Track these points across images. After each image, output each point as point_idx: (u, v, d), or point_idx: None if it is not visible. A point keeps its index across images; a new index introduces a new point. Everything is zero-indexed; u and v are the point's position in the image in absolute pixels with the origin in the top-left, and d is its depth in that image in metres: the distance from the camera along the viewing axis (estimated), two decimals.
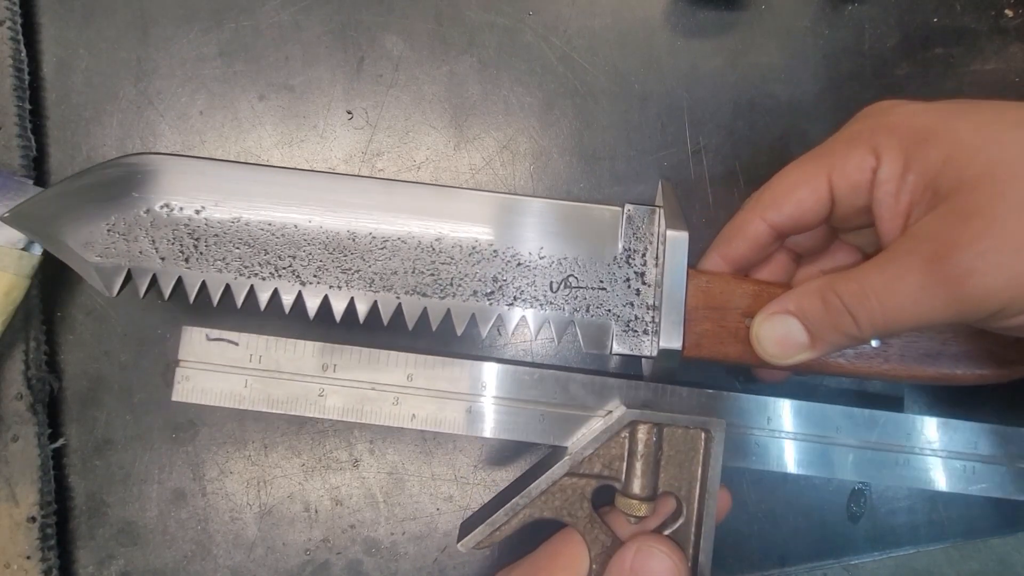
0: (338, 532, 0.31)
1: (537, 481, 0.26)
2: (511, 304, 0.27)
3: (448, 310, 0.27)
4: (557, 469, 0.26)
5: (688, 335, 0.26)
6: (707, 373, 0.33)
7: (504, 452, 0.32)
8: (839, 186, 0.25)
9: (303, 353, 0.27)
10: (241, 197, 0.27)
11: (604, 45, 0.34)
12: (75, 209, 0.26)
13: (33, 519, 0.29)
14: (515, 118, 0.34)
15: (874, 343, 0.27)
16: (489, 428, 0.27)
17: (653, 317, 0.27)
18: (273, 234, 0.26)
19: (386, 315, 0.27)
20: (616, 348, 0.27)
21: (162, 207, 0.26)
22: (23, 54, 0.31)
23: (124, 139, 0.32)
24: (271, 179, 0.27)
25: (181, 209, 0.26)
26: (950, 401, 0.34)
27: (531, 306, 0.27)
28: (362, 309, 0.26)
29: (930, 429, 0.28)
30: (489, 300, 0.27)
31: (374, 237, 0.27)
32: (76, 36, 0.32)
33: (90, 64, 0.32)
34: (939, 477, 0.28)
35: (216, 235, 0.26)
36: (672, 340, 0.26)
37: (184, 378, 0.27)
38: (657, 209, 0.27)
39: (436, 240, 0.27)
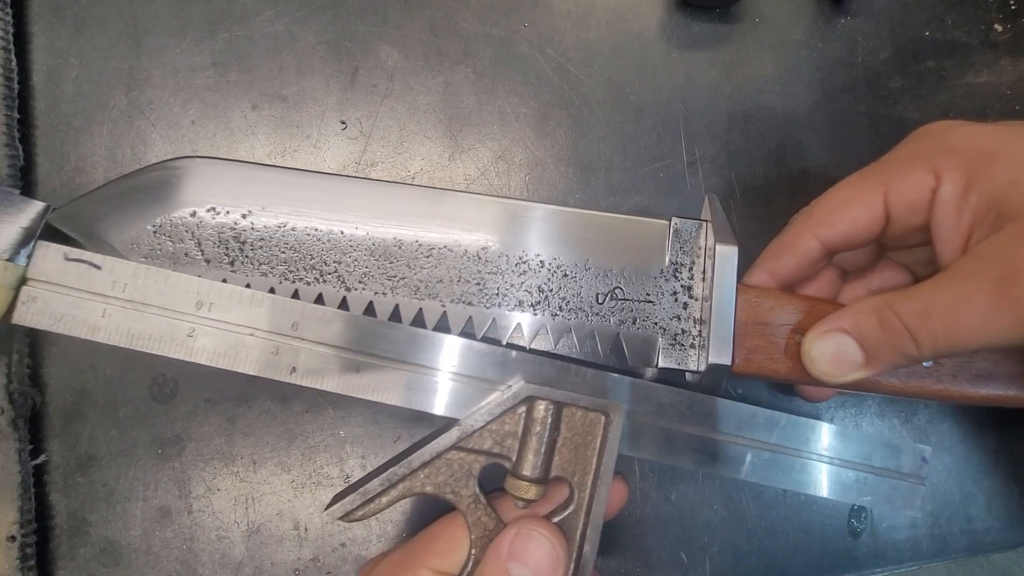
0: (328, 551, 0.31)
1: (420, 451, 0.24)
2: (556, 315, 0.27)
3: (493, 319, 0.26)
4: (443, 440, 0.24)
5: (737, 350, 0.26)
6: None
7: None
8: (896, 204, 0.25)
9: (176, 286, 0.25)
10: (288, 202, 0.27)
11: (599, 56, 0.34)
12: (121, 210, 0.26)
13: (13, 538, 0.28)
14: (510, 128, 0.34)
15: (926, 363, 0.27)
16: (374, 391, 0.25)
17: (700, 331, 0.26)
18: (319, 239, 0.26)
19: (431, 322, 0.26)
20: (662, 362, 0.26)
21: (208, 210, 0.26)
22: (13, 63, 0.30)
23: (114, 149, 0.32)
24: (318, 185, 0.27)
25: (227, 213, 0.26)
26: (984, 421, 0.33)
27: (576, 317, 0.27)
28: (407, 316, 0.26)
29: (826, 436, 0.27)
30: (535, 311, 0.27)
31: (420, 245, 0.27)
32: (67, 45, 0.32)
33: (81, 73, 0.32)
34: (828, 484, 0.27)
35: (262, 239, 0.26)
36: (722, 355, 0.25)
37: (31, 298, 0.24)
38: (704, 223, 0.27)
39: (482, 249, 0.27)
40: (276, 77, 0.33)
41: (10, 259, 0.28)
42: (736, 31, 0.35)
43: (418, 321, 0.26)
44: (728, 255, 0.26)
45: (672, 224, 0.27)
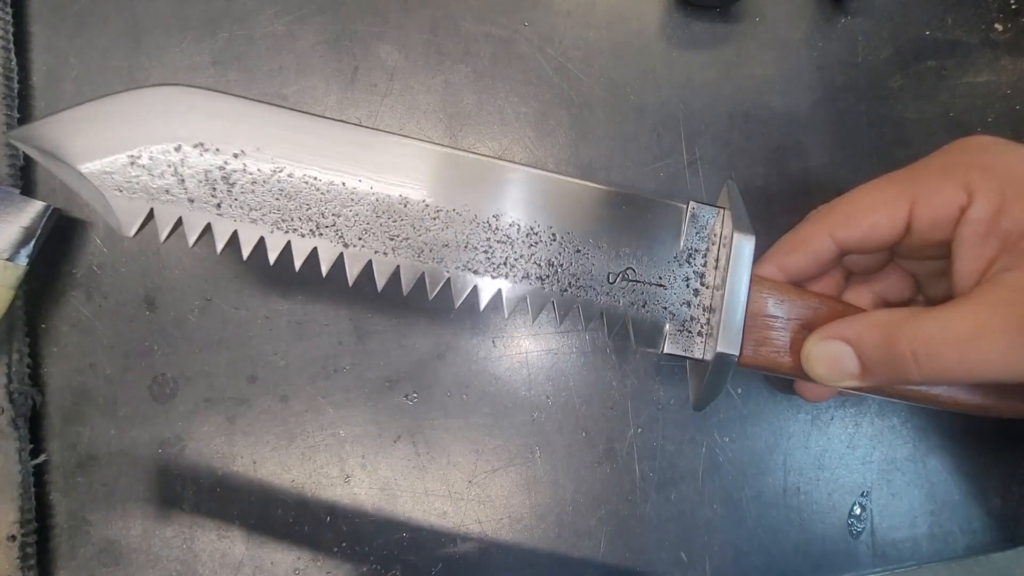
0: (328, 551, 0.31)
1: None
2: (565, 291, 0.26)
3: (499, 290, 0.25)
4: None
5: (745, 342, 0.26)
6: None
7: (498, 467, 0.32)
8: (920, 216, 0.24)
9: None
10: (287, 145, 0.24)
11: (599, 56, 0.34)
12: (95, 135, 0.23)
13: (13, 538, 0.28)
14: (510, 128, 0.34)
15: None
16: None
17: (709, 320, 0.26)
18: (318, 189, 0.24)
19: (432, 288, 0.25)
20: (668, 348, 0.26)
21: (196, 145, 0.24)
22: (13, 62, 0.30)
23: None
24: (321, 131, 0.25)
25: (217, 151, 0.24)
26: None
27: (586, 294, 0.26)
28: (407, 280, 0.25)
29: None
30: (543, 284, 0.25)
31: (427, 206, 0.25)
32: (67, 44, 0.32)
33: (80, 73, 0.32)
34: None
35: (254, 182, 0.24)
36: (730, 345, 0.24)
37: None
38: (722, 210, 0.27)
39: (494, 217, 0.25)
40: (276, 77, 0.33)
41: (10, 259, 0.28)
42: (736, 31, 0.35)
43: (419, 286, 0.25)
44: (745, 244, 0.25)
45: (689, 208, 0.26)
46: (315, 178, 0.24)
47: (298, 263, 0.24)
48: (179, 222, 0.24)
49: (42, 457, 0.30)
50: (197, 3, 0.33)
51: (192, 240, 0.24)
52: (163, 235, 0.24)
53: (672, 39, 0.35)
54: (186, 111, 0.24)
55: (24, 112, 0.31)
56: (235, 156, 0.24)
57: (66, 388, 0.30)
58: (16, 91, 0.30)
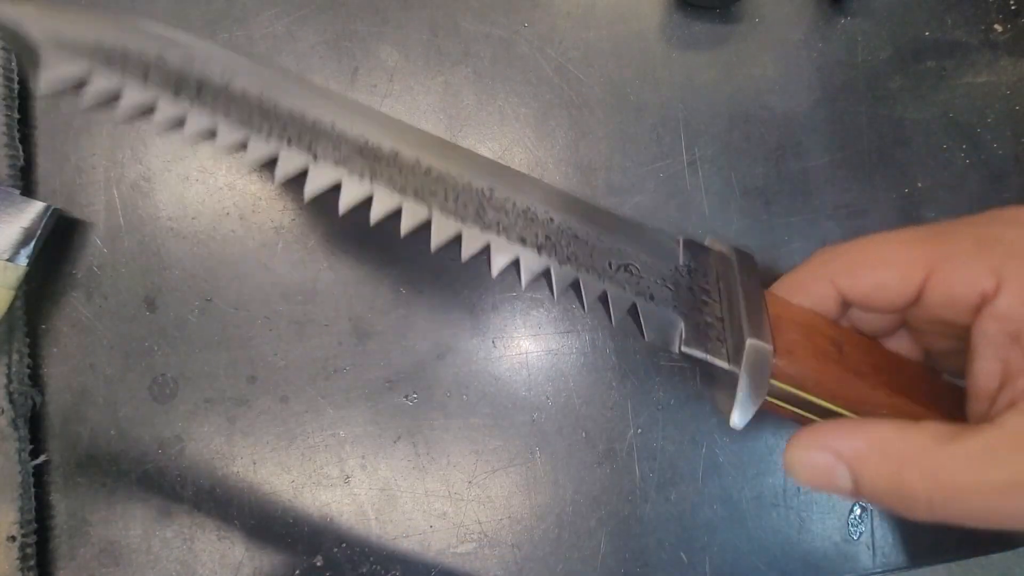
0: (328, 551, 0.31)
1: None
2: (563, 263, 0.23)
3: (488, 244, 0.22)
4: None
5: (777, 341, 0.22)
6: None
7: (498, 467, 0.32)
8: (935, 289, 0.21)
9: None
10: (282, 88, 0.22)
11: (599, 56, 0.34)
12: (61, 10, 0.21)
13: (13, 538, 0.28)
14: (510, 128, 0.34)
15: None
16: None
17: (723, 324, 0.23)
18: (304, 123, 0.22)
19: (407, 224, 0.22)
20: (685, 348, 0.23)
21: (184, 57, 0.22)
22: (13, 63, 0.30)
23: (114, 149, 0.32)
24: (327, 91, 0.23)
25: (205, 64, 0.22)
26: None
27: (588, 273, 0.23)
28: (379, 210, 0.22)
29: None
30: (539, 251, 0.23)
31: (418, 162, 0.23)
32: None
33: None
34: None
35: (232, 99, 0.22)
36: (761, 336, 0.21)
37: None
38: (713, 240, 0.26)
39: (489, 189, 0.23)
40: None
41: (10, 259, 0.28)
42: (736, 32, 0.35)
43: (392, 220, 0.22)
44: (747, 258, 0.24)
45: (682, 242, 0.25)
46: (303, 114, 0.22)
47: (252, 164, 0.21)
48: (116, 96, 0.21)
49: (42, 457, 0.30)
50: (197, 3, 0.33)
51: (124, 114, 0.21)
52: (87, 103, 0.20)
53: (672, 40, 0.35)
54: (191, 40, 0.22)
55: (24, 113, 0.31)
56: (221, 75, 0.22)
57: (66, 388, 0.30)
58: (16, 91, 0.30)
